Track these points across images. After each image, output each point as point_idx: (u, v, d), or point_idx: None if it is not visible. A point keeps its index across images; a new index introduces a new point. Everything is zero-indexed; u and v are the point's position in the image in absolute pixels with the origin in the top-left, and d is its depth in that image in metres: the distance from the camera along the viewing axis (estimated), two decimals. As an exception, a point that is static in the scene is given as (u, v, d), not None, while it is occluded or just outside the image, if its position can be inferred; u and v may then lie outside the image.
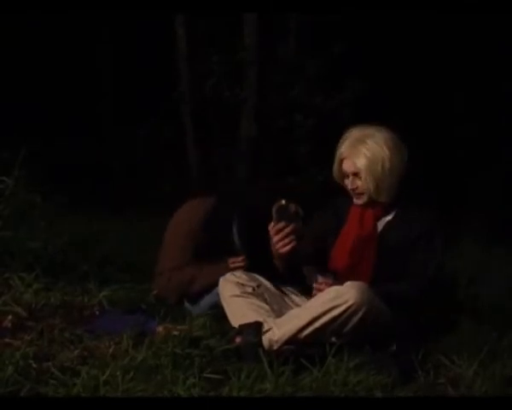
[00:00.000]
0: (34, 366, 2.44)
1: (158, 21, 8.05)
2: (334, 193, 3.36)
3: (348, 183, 3.19)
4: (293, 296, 3.22)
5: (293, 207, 3.00)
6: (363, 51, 8.20)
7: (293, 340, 2.83)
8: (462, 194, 8.30)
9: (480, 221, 6.93)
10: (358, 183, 3.14)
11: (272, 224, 3.00)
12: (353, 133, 3.17)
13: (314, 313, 2.83)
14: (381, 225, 3.20)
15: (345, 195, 3.28)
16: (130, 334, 2.72)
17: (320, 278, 3.02)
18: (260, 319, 2.90)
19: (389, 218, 3.21)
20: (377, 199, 3.16)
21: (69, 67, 9.07)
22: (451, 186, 8.66)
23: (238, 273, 3.18)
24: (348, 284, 2.86)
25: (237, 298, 3.06)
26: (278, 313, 3.02)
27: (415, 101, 9.02)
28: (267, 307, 3.04)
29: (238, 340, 2.86)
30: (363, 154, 3.11)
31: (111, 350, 2.63)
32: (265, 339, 2.84)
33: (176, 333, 2.79)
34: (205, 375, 2.50)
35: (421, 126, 8.87)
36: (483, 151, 9.12)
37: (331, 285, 2.96)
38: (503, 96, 8.91)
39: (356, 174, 3.15)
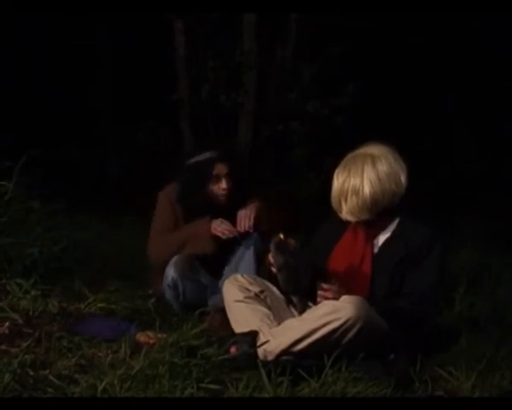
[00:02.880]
0: (31, 373, 2.43)
1: (157, 26, 8.04)
2: (330, 199, 3.35)
3: None
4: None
5: (291, 241, 3.01)
6: (360, 57, 8.21)
7: (287, 352, 2.82)
8: (459, 202, 8.29)
9: (479, 229, 6.92)
10: None
11: (271, 255, 3.04)
12: (350, 153, 3.20)
13: (310, 327, 2.82)
14: (379, 242, 3.20)
15: None
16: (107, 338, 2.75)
17: (325, 285, 3.01)
18: (261, 327, 2.91)
19: (387, 235, 3.20)
20: (342, 216, 3.16)
21: (68, 72, 9.05)
22: (450, 194, 8.67)
23: (242, 277, 3.18)
24: (345, 298, 2.86)
25: (240, 303, 3.06)
26: (280, 319, 3.02)
27: (412, 107, 9.03)
28: (269, 312, 3.04)
29: (233, 350, 2.86)
30: (342, 172, 3.14)
31: (109, 359, 2.62)
32: (260, 350, 2.84)
33: (154, 341, 2.79)
34: (203, 385, 2.50)
35: (418, 132, 8.89)
36: (481, 157, 9.14)
37: (336, 292, 2.96)
38: (503, 103, 8.91)
39: None
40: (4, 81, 7.99)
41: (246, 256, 3.69)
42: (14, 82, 8.42)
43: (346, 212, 3.13)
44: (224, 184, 3.74)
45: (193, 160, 3.82)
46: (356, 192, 3.08)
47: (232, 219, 3.74)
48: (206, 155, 3.79)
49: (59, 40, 8.85)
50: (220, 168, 3.75)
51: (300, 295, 3.09)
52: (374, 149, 3.17)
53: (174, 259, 3.68)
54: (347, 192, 3.10)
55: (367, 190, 3.08)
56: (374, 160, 3.11)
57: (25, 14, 7.27)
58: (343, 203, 3.12)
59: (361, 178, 3.09)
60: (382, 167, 3.10)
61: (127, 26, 8.62)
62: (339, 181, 3.13)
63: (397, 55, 8.85)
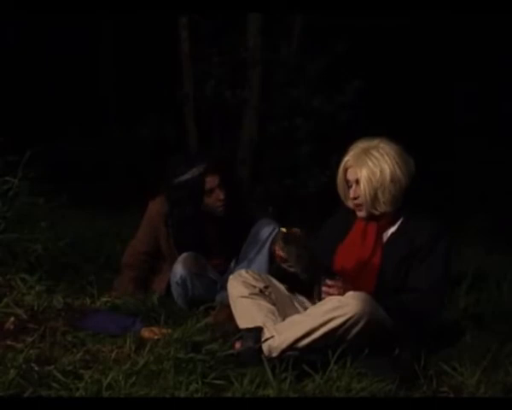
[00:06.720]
0: (36, 369, 2.43)
1: (161, 22, 8.03)
2: (335, 195, 3.35)
3: (351, 192, 3.19)
4: (304, 299, 3.19)
5: (296, 230, 3.01)
6: (364, 53, 8.21)
7: (292, 348, 2.82)
8: (463, 198, 8.29)
9: (482, 226, 6.93)
10: (359, 192, 3.16)
11: (281, 250, 3.02)
12: (359, 144, 3.19)
13: (314, 323, 2.82)
14: (385, 236, 3.19)
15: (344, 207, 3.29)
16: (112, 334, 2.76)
17: (329, 281, 3.01)
18: (266, 322, 2.91)
19: (393, 229, 3.20)
20: (377, 210, 3.15)
21: (71, 69, 9.06)
22: (452, 190, 8.67)
23: (247, 273, 3.17)
24: (350, 294, 2.86)
25: (245, 299, 3.06)
26: (285, 315, 3.01)
27: (415, 103, 9.02)
28: (274, 308, 3.03)
29: (238, 345, 2.86)
30: (365, 163, 3.13)
31: (113, 354, 2.62)
32: (265, 345, 2.84)
33: (159, 337, 2.79)
34: (207, 380, 2.50)
35: (421, 128, 8.88)
36: (484, 154, 9.13)
37: (341, 288, 2.96)
38: (503, 103, 8.91)
39: (358, 183, 3.16)
40: (5, 81, 7.99)
41: (260, 255, 3.68)
42: (14, 81, 8.43)
43: (384, 202, 3.13)
44: (220, 195, 3.67)
45: (181, 178, 3.69)
46: (393, 179, 3.10)
47: (229, 227, 3.73)
48: (194, 171, 3.67)
49: (59, 40, 8.87)
50: (211, 181, 3.67)
51: (317, 281, 3.07)
52: (372, 141, 3.18)
53: (181, 256, 3.66)
54: (385, 182, 3.10)
55: (399, 172, 3.11)
56: (386, 145, 3.14)
57: (26, 15, 7.27)
58: (380, 195, 3.12)
59: (391, 165, 3.11)
60: (396, 149, 3.14)
61: (130, 21, 8.62)
62: (368, 176, 3.11)
63: (401, 52, 8.84)
